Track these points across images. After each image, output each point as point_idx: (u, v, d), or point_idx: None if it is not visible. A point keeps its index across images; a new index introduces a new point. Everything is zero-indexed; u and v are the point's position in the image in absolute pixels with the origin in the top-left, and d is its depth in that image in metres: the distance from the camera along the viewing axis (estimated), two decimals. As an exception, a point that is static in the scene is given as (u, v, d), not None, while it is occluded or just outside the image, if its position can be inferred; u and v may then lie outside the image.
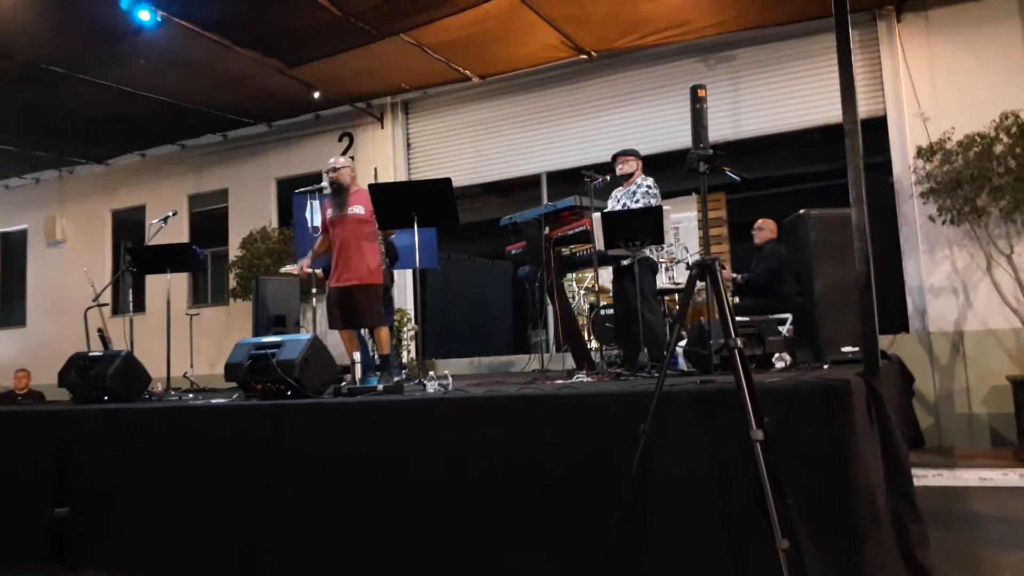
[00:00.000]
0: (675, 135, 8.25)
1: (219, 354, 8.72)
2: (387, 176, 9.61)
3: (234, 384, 4.60)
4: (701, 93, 3.16)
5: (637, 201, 5.64)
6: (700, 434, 2.95)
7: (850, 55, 3.29)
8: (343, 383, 4.74)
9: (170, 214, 7.03)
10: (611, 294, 6.44)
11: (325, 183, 5.53)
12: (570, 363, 6.43)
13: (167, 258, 6.57)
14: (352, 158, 9.42)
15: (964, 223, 6.93)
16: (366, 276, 5.42)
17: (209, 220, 11.27)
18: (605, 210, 5.70)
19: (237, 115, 10.02)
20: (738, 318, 3.49)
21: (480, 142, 9.65)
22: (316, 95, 9.19)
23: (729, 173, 3.47)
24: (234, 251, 10.31)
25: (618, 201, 5.84)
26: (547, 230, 6.03)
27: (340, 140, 10.24)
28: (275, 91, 9.01)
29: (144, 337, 6.49)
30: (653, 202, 5.58)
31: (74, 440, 4.54)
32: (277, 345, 4.36)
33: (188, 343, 8.08)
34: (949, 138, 6.96)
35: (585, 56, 8.53)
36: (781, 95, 8.13)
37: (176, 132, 10.83)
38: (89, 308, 6.40)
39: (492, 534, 3.29)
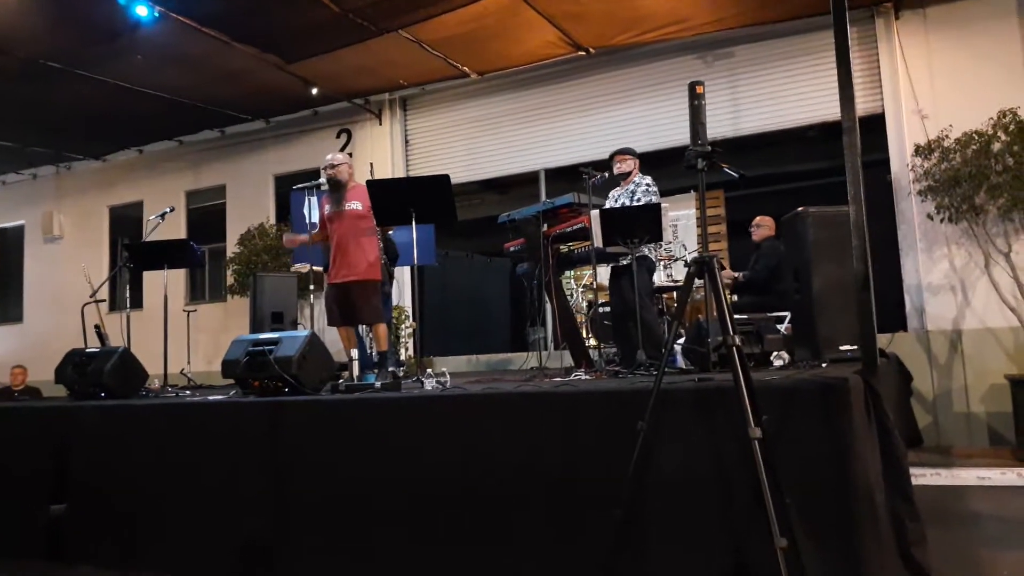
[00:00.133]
0: (673, 132, 8.25)
1: (216, 351, 8.71)
2: (384, 172, 9.60)
3: (231, 381, 4.60)
4: (699, 90, 3.14)
5: (638, 200, 5.63)
6: (698, 432, 2.95)
7: (848, 52, 3.28)
8: (341, 380, 4.74)
9: (167, 210, 7.02)
10: (608, 291, 6.43)
11: (323, 179, 5.52)
12: (568, 361, 6.42)
13: (164, 254, 6.56)
14: (350, 154, 9.43)
15: (962, 221, 6.92)
16: (364, 272, 5.41)
17: (207, 216, 11.25)
18: (603, 207, 5.69)
19: (235, 111, 10.00)
20: (736, 316, 3.49)
21: (478, 139, 9.64)
22: (314, 91, 9.17)
23: (727, 170, 3.45)
24: (232, 247, 10.29)
25: (616, 201, 5.83)
26: (545, 227, 6.03)
27: (338, 136, 10.22)
28: (273, 87, 8.99)
29: (141, 333, 6.49)
30: (654, 199, 5.57)
31: (71, 437, 4.53)
32: (275, 342, 4.35)
33: (185, 339, 8.07)
34: (947, 136, 6.96)
35: (583, 53, 8.52)
36: (779, 92, 8.13)
37: (174, 128, 10.81)
38: (86, 304, 6.39)
39: (490, 532, 3.29)
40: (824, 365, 4.16)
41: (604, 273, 6.59)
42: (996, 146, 6.65)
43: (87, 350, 5.28)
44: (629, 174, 5.81)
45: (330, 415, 3.89)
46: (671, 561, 2.93)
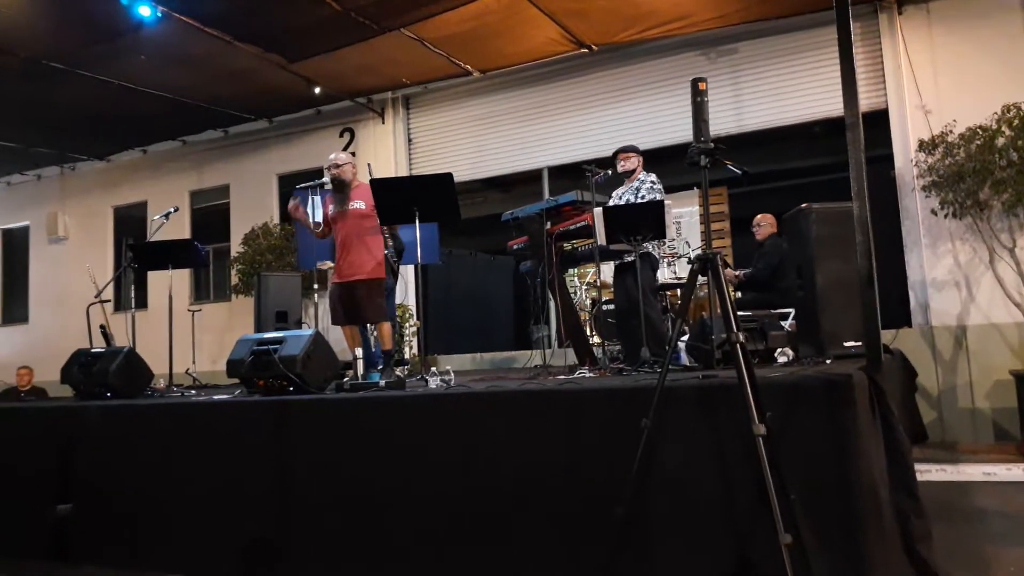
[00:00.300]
0: (676, 129, 8.23)
1: (221, 350, 8.73)
2: (388, 171, 9.60)
3: (236, 380, 4.61)
4: (702, 86, 3.14)
5: (642, 197, 5.62)
6: (702, 429, 2.95)
7: (851, 48, 3.27)
8: (345, 379, 4.74)
9: (172, 210, 7.02)
10: (612, 289, 6.43)
11: (326, 179, 5.52)
12: (572, 359, 6.42)
13: (169, 254, 6.56)
14: (353, 153, 9.45)
15: (966, 216, 6.91)
16: (369, 271, 5.41)
17: (211, 216, 11.27)
18: (607, 205, 5.68)
19: (238, 111, 10.02)
20: (740, 313, 3.48)
21: (481, 137, 9.64)
22: (317, 90, 9.18)
23: (730, 167, 3.44)
24: (236, 247, 10.31)
25: (621, 198, 5.82)
26: (549, 225, 6.02)
27: (341, 135, 10.23)
28: (276, 87, 9.00)
29: (146, 333, 6.49)
30: (658, 197, 5.56)
31: (76, 437, 4.55)
32: (279, 341, 4.36)
33: (190, 339, 8.08)
34: (951, 131, 6.94)
35: (586, 50, 8.51)
36: (783, 88, 8.11)
37: (177, 128, 10.83)
38: (91, 304, 6.41)
39: (493, 531, 3.30)
40: (828, 361, 4.15)
41: (608, 271, 6.59)
42: (1000, 141, 6.63)
43: (92, 350, 5.29)
44: (633, 172, 5.80)
45: (334, 414, 3.90)
46: (674, 559, 2.93)
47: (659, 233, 5.17)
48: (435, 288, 10.40)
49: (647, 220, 5.11)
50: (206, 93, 9.18)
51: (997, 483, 5.45)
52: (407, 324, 8.88)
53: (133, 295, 6.64)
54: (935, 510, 3.30)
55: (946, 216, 6.93)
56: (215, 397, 4.71)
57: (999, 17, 7.10)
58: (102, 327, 6.50)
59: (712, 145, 3.10)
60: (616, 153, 5.89)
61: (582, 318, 7.55)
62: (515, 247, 6.64)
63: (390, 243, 6.13)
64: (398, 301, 7.91)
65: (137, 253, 6.75)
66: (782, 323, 4.80)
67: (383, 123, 10.02)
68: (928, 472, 5.47)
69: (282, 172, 10.63)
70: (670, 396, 2.94)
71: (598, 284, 7.36)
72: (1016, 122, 6.57)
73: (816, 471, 2.73)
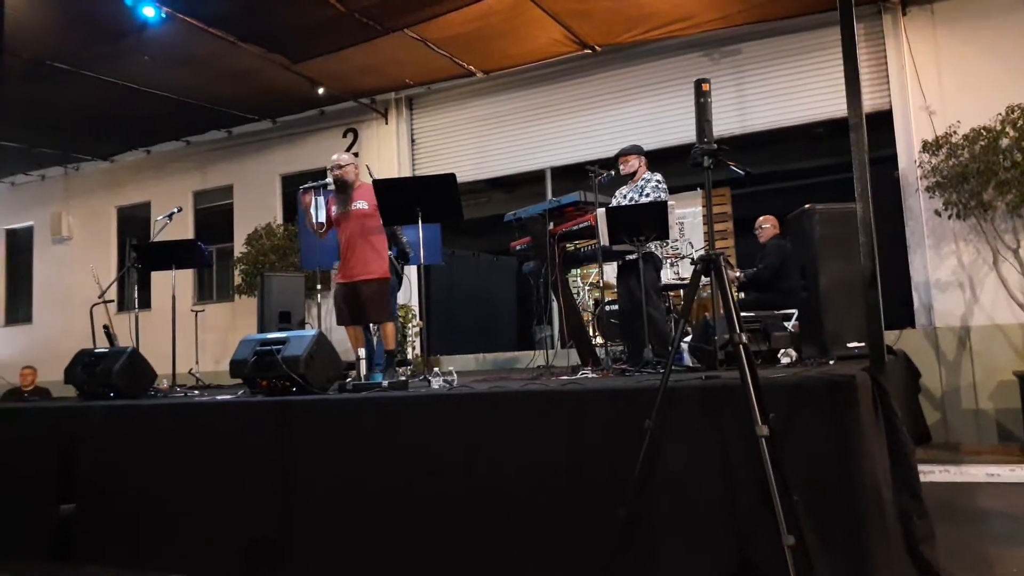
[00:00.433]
0: (680, 129, 8.23)
1: (224, 350, 8.74)
2: (391, 172, 9.61)
3: (239, 380, 4.61)
4: (705, 87, 3.14)
5: (647, 196, 5.62)
6: (705, 430, 2.95)
7: (855, 49, 3.27)
8: (348, 379, 4.75)
9: (175, 210, 7.05)
10: (615, 290, 6.43)
11: (329, 179, 5.53)
12: (575, 359, 6.42)
13: (172, 254, 6.58)
14: (356, 154, 9.46)
15: (970, 217, 6.90)
16: (374, 271, 5.42)
17: (214, 216, 11.28)
18: (610, 205, 5.68)
19: (241, 111, 10.03)
20: (743, 314, 3.48)
21: (484, 137, 9.64)
22: (320, 91, 9.19)
23: (734, 168, 3.44)
24: (239, 247, 10.32)
25: (626, 198, 5.83)
26: (551, 226, 6.02)
27: (344, 136, 10.24)
28: (279, 87, 9.01)
29: (149, 334, 6.51)
30: (663, 196, 5.56)
31: (80, 437, 4.56)
32: (282, 341, 4.36)
33: (193, 339, 8.10)
34: (955, 132, 6.93)
35: (589, 51, 8.51)
36: (786, 89, 8.11)
37: (181, 128, 10.85)
38: (95, 305, 6.42)
39: (496, 532, 3.30)
40: (831, 362, 4.15)
41: (611, 271, 6.59)
42: (1004, 142, 6.62)
43: (96, 350, 5.30)
44: (635, 172, 5.80)
45: (337, 414, 3.90)
46: (676, 560, 2.93)
47: (662, 234, 5.17)
48: (438, 288, 10.41)
49: (650, 221, 5.10)
50: (210, 93, 9.19)
51: (1000, 484, 5.44)
52: (410, 324, 8.89)
53: (136, 295, 6.66)
54: (938, 511, 3.29)
55: (950, 217, 6.92)
56: (218, 397, 4.72)
57: (1003, 18, 7.09)
58: (106, 327, 6.51)
59: (715, 146, 3.10)
60: (617, 157, 5.89)
61: (585, 319, 7.55)
62: (518, 247, 6.64)
63: (395, 245, 6.14)
64: (401, 302, 7.92)
65: (141, 253, 6.77)
66: (785, 324, 4.80)
67: (386, 124, 10.03)
68: (931, 473, 5.46)
69: (285, 172, 10.64)
70: (673, 397, 2.94)
71: (601, 284, 7.36)
72: (1020, 123, 6.56)
73: (819, 472, 2.73)
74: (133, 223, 11.94)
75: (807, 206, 4.63)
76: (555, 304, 7.11)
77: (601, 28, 7.98)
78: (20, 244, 13.12)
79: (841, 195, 4.14)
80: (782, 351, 4.37)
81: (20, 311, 12.90)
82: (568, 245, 6.26)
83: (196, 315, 8.32)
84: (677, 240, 7.17)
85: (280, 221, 10.35)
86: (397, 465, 3.58)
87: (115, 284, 8.32)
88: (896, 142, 7.53)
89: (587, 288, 8.19)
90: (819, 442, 2.76)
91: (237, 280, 10.15)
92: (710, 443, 2.92)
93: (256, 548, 3.85)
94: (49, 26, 7.32)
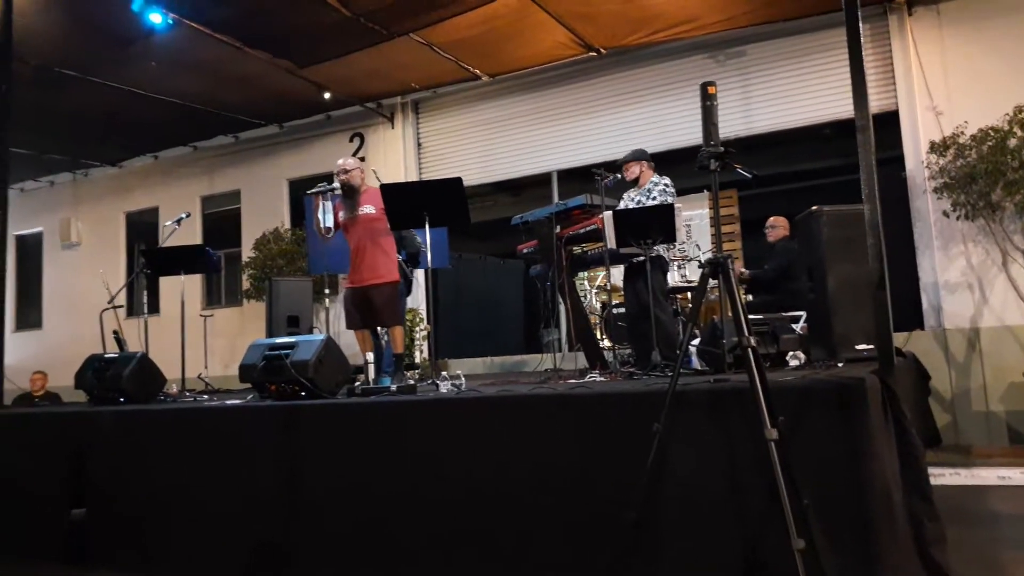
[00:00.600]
0: (686, 132, 8.22)
1: (233, 355, 8.78)
2: (397, 176, 9.63)
3: (248, 385, 4.63)
4: (711, 90, 3.14)
5: (654, 199, 5.61)
6: (714, 433, 2.94)
7: (861, 50, 3.27)
8: (357, 383, 4.76)
9: (183, 216, 7.07)
10: (622, 293, 6.42)
11: (336, 184, 5.53)
12: (583, 362, 6.42)
13: (181, 260, 6.60)
14: (362, 158, 9.48)
15: (979, 218, 6.87)
16: (383, 274, 5.43)
17: (222, 221, 11.33)
18: (617, 208, 5.68)
19: (248, 116, 10.07)
20: (751, 316, 3.48)
21: (490, 141, 9.66)
22: (327, 96, 9.22)
23: (740, 170, 3.44)
24: (247, 252, 10.36)
25: (633, 201, 5.82)
26: (558, 229, 6.02)
27: (351, 140, 10.27)
28: (286, 92, 9.04)
29: (159, 339, 6.52)
30: (670, 201, 5.55)
31: (90, 442, 4.58)
32: (291, 346, 4.37)
33: (202, 344, 8.12)
34: (962, 132, 6.91)
35: (595, 53, 8.51)
36: (792, 91, 8.09)
37: (188, 134, 10.90)
38: (104, 310, 6.44)
39: (503, 535, 3.29)
40: (840, 365, 4.14)
41: (617, 274, 6.58)
42: (1012, 142, 6.60)
43: (106, 355, 5.33)
44: (639, 177, 5.80)
45: (345, 418, 3.91)
46: (685, 563, 2.92)
47: (669, 237, 5.16)
48: (445, 292, 10.42)
49: (657, 223, 5.10)
50: (217, 99, 9.24)
51: (1012, 487, 5.42)
52: (417, 328, 8.90)
53: (146, 300, 6.68)
54: (949, 514, 3.28)
55: (958, 218, 6.89)
56: (227, 402, 4.74)
57: (1010, 18, 7.06)
58: (115, 332, 6.54)
59: (722, 149, 3.10)
60: (620, 165, 5.88)
61: (592, 321, 7.55)
62: (525, 251, 6.64)
63: (403, 248, 6.15)
64: (409, 305, 7.93)
65: (149, 259, 6.79)
66: (793, 326, 4.79)
67: (392, 128, 10.05)
68: (942, 476, 5.44)
69: (293, 177, 10.68)
70: (681, 400, 2.94)
71: (608, 287, 7.36)
72: (1028, 123, 6.54)
73: (828, 475, 2.72)
74: (141, 228, 12.00)
75: (814, 208, 4.62)
76: (562, 307, 7.10)
77: (606, 31, 7.99)
78: (30, 250, 13.19)
79: (848, 197, 4.13)
80: (791, 354, 4.36)
81: (30, 316, 12.97)
82: (575, 248, 6.26)
83: (205, 320, 8.35)
84: (684, 243, 7.16)
85: (288, 226, 10.39)
86: (404, 469, 3.58)
87: (124, 289, 8.37)
88: (903, 143, 7.51)
89: (594, 291, 8.19)
90: (828, 445, 2.75)
91: (245, 285, 10.18)
92: (719, 446, 2.92)
93: (264, 552, 3.86)
94: (57, 33, 7.37)
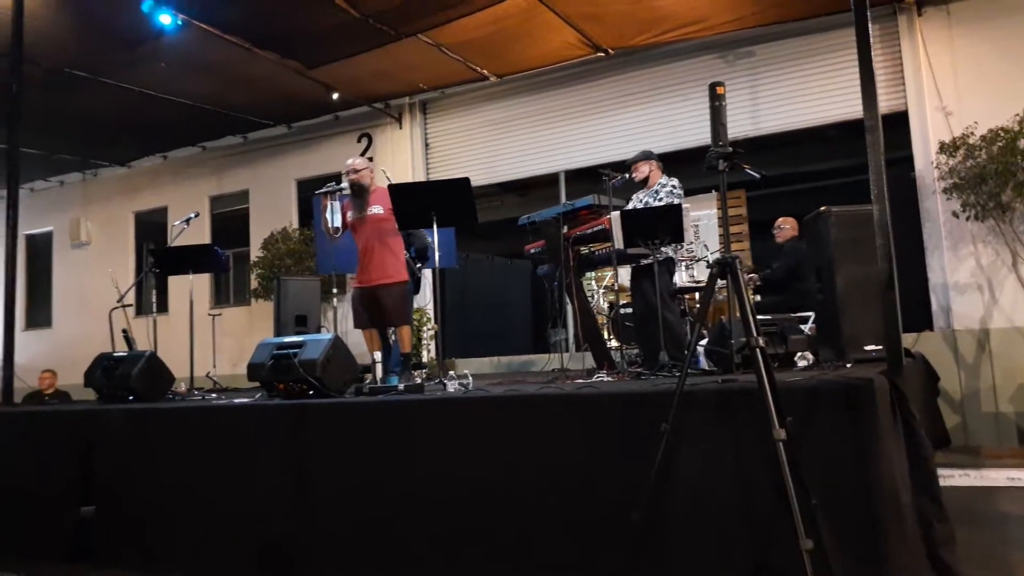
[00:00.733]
0: (694, 132, 8.21)
1: (241, 354, 8.79)
2: (405, 176, 9.65)
3: (257, 384, 4.64)
4: (720, 90, 3.14)
5: (661, 200, 5.61)
6: (722, 434, 2.94)
7: (870, 50, 3.26)
8: (364, 382, 4.76)
9: (192, 216, 7.11)
10: (630, 293, 6.41)
11: (345, 184, 5.54)
12: (590, 362, 6.41)
13: (189, 259, 6.64)
14: (370, 159, 9.49)
15: (988, 219, 6.84)
16: (392, 274, 5.44)
17: (230, 221, 11.37)
18: (624, 208, 5.67)
19: (257, 117, 10.10)
20: (760, 317, 3.47)
21: (498, 141, 9.66)
22: (335, 96, 9.25)
23: (749, 170, 3.43)
24: (255, 252, 10.40)
25: (640, 201, 5.82)
26: (566, 229, 6.02)
27: (359, 141, 10.30)
28: (294, 93, 9.07)
29: (167, 337, 6.58)
30: (677, 202, 5.54)
31: (99, 440, 4.60)
32: (299, 345, 4.39)
33: (211, 343, 8.16)
34: (972, 132, 6.88)
35: (602, 54, 8.51)
36: (801, 91, 8.07)
37: (197, 134, 10.94)
38: (114, 309, 6.48)
39: (510, 535, 3.29)
40: (849, 365, 4.12)
41: (625, 274, 6.58)
42: (1022, 143, 6.56)
43: (115, 354, 5.35)
44: (648, 177, 5.79)
45: (353, 417, 3.92)
46: (692, 565, 2.92)
47: (676, 237, 5.15)
48: (452, 292, 10.43)
49: (664, 224, 5.09)
50: (225, 99, 9.27)
51: (1021, 488, 5.38)
52: (425, 328, 8.91)
53: (154, 299, 6.73)
54: (959, 515, 3.26)
55: (968, 218, 6.86)
56: (236, 401, 4.75)
57: (1020, 18, 7.02)
58: (124, 331, 6.58)
59: (731, 149, 3.09)
60: (629, 166, 5.89)
61: (600, 322, 7.54)
62: (532, 251, 6.64)
63: (412, 246, 6.14)
64: (417, 305, 7.94)
65: (158, 258, 6.83)
66: (802, 327, 4.78)
67: (400, 128, 10.07)
68: (951, 477, 5.41)
69: (301, 177, 10.71)
70: (689, 400, 2.94)
71: (615, 288, 7.35)
72: (1038, 123, 6.51)
73: (837, 476, 2.72)
74: (150, 228, 12.05)
75: (823, 208, 4.61)
76: (570, 307, 7.10)
77: (614, 31, 7.98)
78: (40, 249, 13.27)
79: (857, 197, 4.12)
80: (799, 354, 4.35)
81: (40, 315, 13.04)
82: (582, 248, 6.25)
83: (213, 319, 8.39)
84: (692, 243, 7.15)
85: (296, 225, 10.42)
86: (411, 468, 3.59)
87: (133, 288, 8.40)
88: (912, 143, 7.48)
89: (602, 291, 8.18)
90: (837, 446, 2.75)
91: (253, 284, 10.22)
92: (727, 447, 2.91)
93: (270, 551, 3.87)
94: (67, 35, 7.41)
